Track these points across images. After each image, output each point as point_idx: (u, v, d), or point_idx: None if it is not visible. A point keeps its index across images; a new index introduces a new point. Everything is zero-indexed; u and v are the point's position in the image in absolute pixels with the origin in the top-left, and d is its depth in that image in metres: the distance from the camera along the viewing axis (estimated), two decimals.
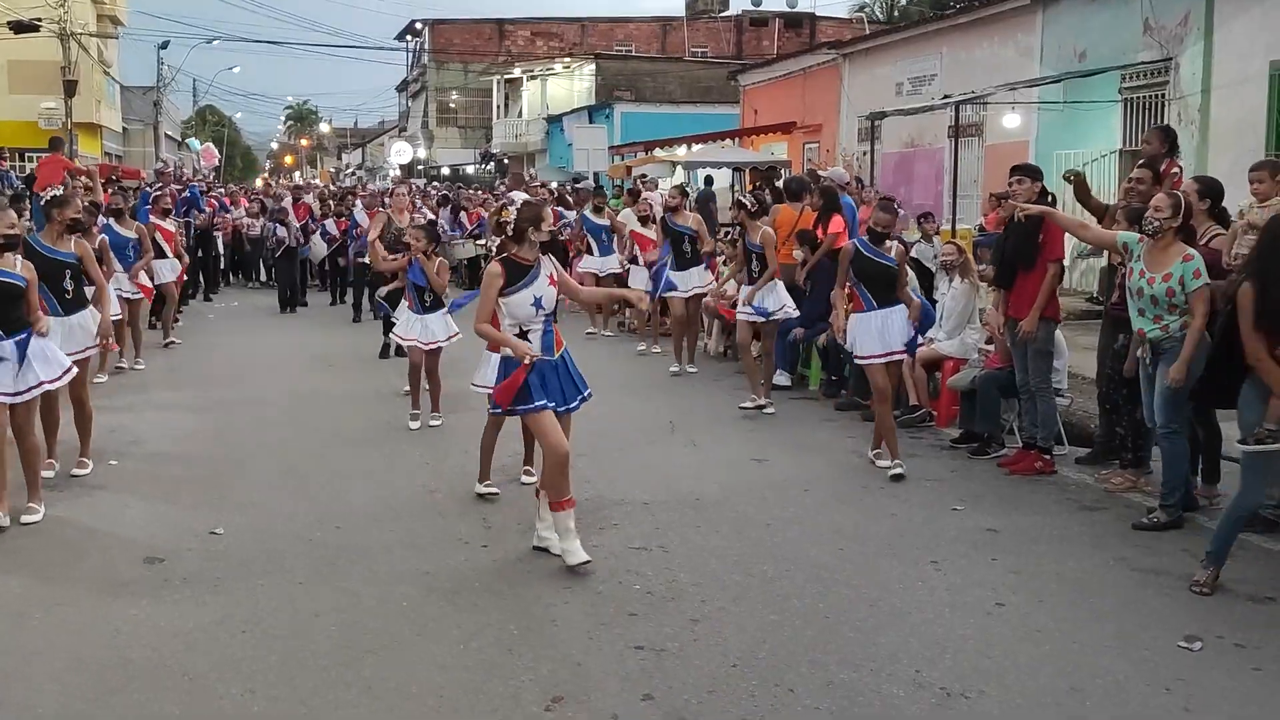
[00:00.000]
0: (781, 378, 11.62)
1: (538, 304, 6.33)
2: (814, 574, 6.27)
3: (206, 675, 4.96)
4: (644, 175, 23.92)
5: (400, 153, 51.06)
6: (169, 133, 47.48)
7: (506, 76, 48.31)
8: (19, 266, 7.11)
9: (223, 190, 23.74)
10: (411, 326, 9.90)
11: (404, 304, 10.20)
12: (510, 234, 6.41)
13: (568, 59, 45.74)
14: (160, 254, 13.72)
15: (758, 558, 6.52)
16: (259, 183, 38.25)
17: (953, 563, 6.47)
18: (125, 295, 12.05)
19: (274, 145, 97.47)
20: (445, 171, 48.41)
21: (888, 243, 8.77)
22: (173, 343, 14.32)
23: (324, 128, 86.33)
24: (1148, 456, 8.03)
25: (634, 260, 15.05)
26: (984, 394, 9.10)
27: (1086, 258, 15.83)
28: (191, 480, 8.16)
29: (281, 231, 18.05)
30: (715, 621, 5.58)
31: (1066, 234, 8.37)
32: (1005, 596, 5.94)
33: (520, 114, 47.71)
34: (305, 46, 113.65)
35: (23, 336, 6.97)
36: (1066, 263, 9.70)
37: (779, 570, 6.32)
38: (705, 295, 12.99)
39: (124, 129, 42.21)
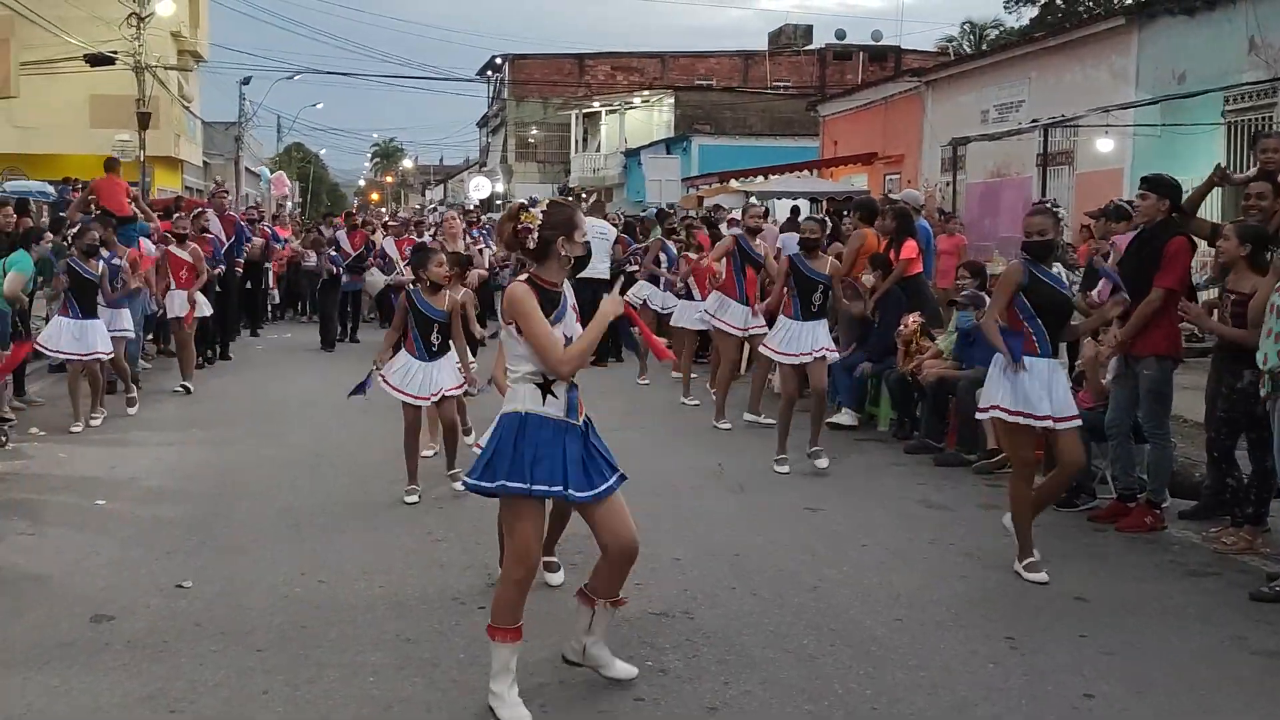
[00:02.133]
0: (847, 417, 10.61)
1: (568, 344, 4.60)
2: (863, 650, 5.26)
3: None
4: (718, 205, 23.07)
5: (479, 187, 50.82)
6: (250, 167, 47.61)
7: (585, 111, 47.87)
8: None
9: (273, 220, 23.04)
10: (409, 377, 7.95)
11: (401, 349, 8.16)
12: (531, 248, 4.61)
13: (646, 92, 45.13)
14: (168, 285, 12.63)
15: (798, 628, 5.53)
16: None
17: (1032, 639, 5.43)
18: (115, 333, 10.86)
19: (361, 182, 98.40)
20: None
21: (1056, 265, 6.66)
22: (185, 388, 12.43)
23: (407, 164, 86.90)
24: (1267, 512, 6.90)
25: (687, 294, 12.86)
26: None
27: (1206, 289, 14.61)
28: (177, 523, 7.35)
29: (311, 261, 17.12)
30: (736, 712, 4.60)
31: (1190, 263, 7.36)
32: (1095, 685, 4.88)
33: (598, 148, 47.20)
34: (385, 80, 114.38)
35: None
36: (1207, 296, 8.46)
37: (821, 645, 5.32)
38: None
39: (205, 163, 42.31)
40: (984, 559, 6.71)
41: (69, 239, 10.81)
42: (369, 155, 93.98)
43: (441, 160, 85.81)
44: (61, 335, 10.20)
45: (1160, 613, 5.84)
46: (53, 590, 6.02)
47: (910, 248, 10.89)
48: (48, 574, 6.28)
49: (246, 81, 44.66)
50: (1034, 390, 6.27)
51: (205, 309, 13.10)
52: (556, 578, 6.08)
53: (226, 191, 18.51)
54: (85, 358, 10.30)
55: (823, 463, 8.86)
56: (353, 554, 6.68)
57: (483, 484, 4.56)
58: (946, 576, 6.40)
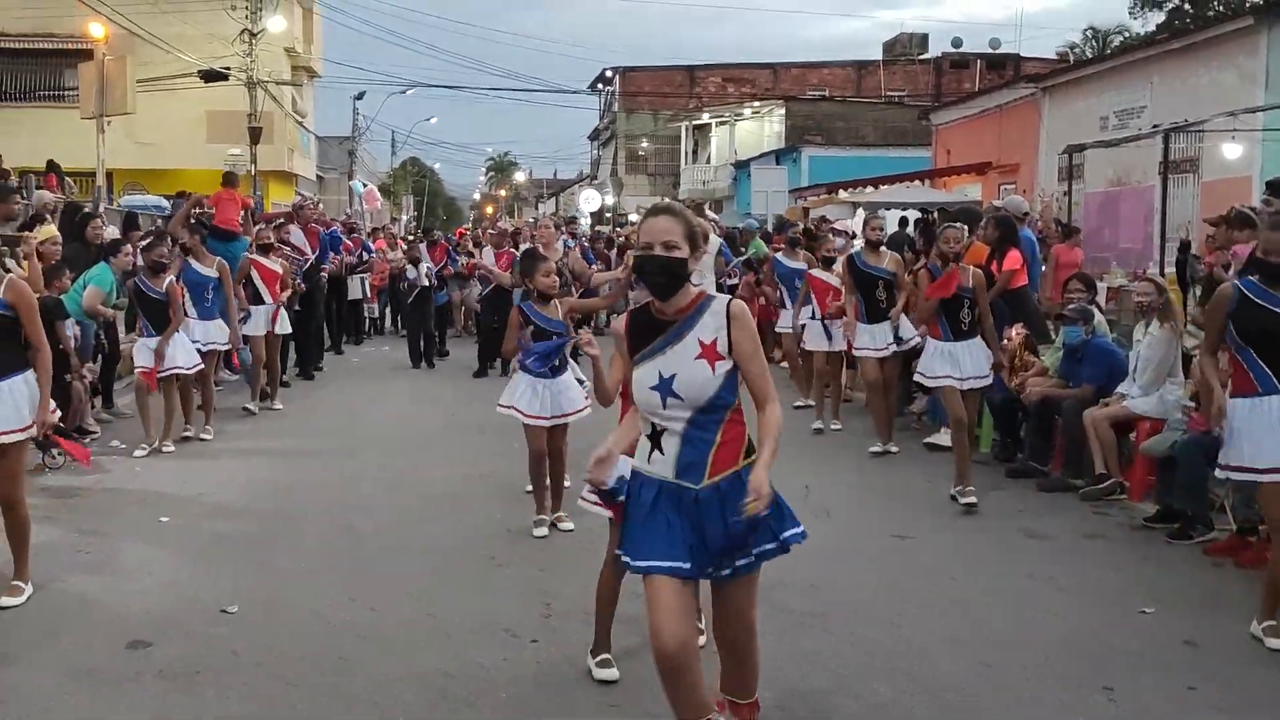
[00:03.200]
0: (946, 437, 10.04)
1: (663, 389, 3.80)
2: (940, 698, 4.79)
3: None
4: (824, 217, 22.54)
5: (589, 200, 50.80)
6: (364, 181, 48.22)
7: (695, 123, 47.53)
8: (2, 289, 5.79)
9: (369, 233, 22.90)
10: (535, 398, 7.29)
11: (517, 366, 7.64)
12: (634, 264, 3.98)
13: (757, 103, 44.67)
14: (256, 298, 11.90)
15: (871, 671, 5.07)
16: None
17: (1132, 689, 4.89)
18: (200, 347, 10.45)
19: (476, 196, 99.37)
20: (634, 218, 47.79)
21: None
22: (269, 407, 12.15)
23: (519, 177, 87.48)
24: None
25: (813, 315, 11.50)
26: (1187, 463, 7.37)
27: None
28: (235, 541, 7.15)
29: (412, 273, 16.89)
30: None
31: None
32: None
33: (708, 160, 46.82)
34: (497, 93, 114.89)
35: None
36: None
37: (895, 691, 4.86)
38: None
39: (319, 177, 42.93)
40: (1085, 597, 6.16)
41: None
42: (483, 169, 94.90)
43: (555, 174, 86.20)
44: (139, 354, 9.87)
45: None
46: (96, 612, 5.83)
47: (1014, 258, 10.28)
48: (95, 595, 6.10)
49: (360, 96, 45.28)
50: (1255, 437, 5.38)
51: (284, 326, 12.45)
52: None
53: (315, 204, 18.27)
54: (161, 374, 9.90)
55: (971, 499, 8.11)
56: (408, 579, 6.38)
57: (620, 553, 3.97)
58: (1041, 616, 5.87)
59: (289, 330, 12.72)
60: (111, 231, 13.29)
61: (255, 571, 6.52)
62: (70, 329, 9.74)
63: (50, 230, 11.03)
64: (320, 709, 4.65)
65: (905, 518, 7.82)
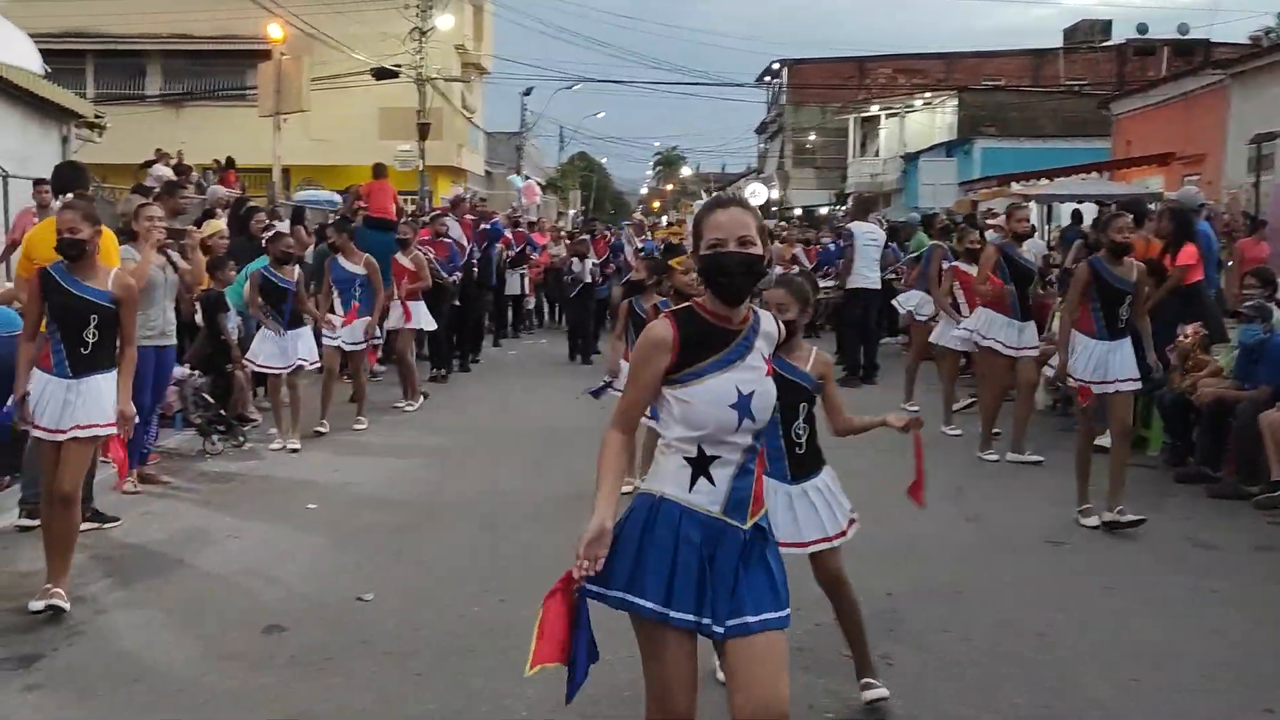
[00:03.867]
0: (1105, 439, 9.57)
1: (743, 406, 3.21)
2: (1084, 716, 4.52)
3: None
4: (989, 209, 21.88)
5: (754, 194, 50.46)
6: (530, 175, 48.93)
7: (863, 115, 46.80)
8: (109, 282, 5.70)
9: (529, 226, 22.88)
10: None
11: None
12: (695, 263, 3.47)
13: (928, 94, 43.71)
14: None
15: (1011, 683, 4.82)
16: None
17: None
18: (338, 343, 10.63)
19: (643, 190, 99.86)
20: (798, 212, 47.33)
21: None
22: (409, 406, 11.89)
23: (686, 171, 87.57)
24: None
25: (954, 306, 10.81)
26: None
27: None
28: (377, 530, 7.24)
29: (577, 267, 16.97)
30: None
31: None
32: None
33: (877, 153, 46.06)
34: (664, 87, 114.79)
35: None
36: None
37: (1034, 706, 4.61)
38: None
39: (488, 173, 43.66)
40: (1250, 611, 5.78)
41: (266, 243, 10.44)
42: (651, 163, 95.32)
43: (724, 168, 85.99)
44: (263, 348, 9.85)
45: None
46: (238, 596, 5.96)
47: (1189, 253, 9.76)
48: (238, 579, 6.24)
49: (528, 92, 45.95)
50: None
51: (427, 323, 12.29)
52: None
53: (473, 197, 18.34)
54: (285, 370, 9.90)
55: (1092, 521, 7.57)
56: (545, 575, 6.29)
57: (602, 591, 3.34)
58: (1201, 630, 5.52)
59: (429, 326, 12.43)
60: (282, 228, 13.64)
61: (394, 561, 6.60)
62: (232, 321, 10.05)
63: (218, 225, 11.40)
64: (445, 701, 4.64)
65: (1060, 522, 7.48)
